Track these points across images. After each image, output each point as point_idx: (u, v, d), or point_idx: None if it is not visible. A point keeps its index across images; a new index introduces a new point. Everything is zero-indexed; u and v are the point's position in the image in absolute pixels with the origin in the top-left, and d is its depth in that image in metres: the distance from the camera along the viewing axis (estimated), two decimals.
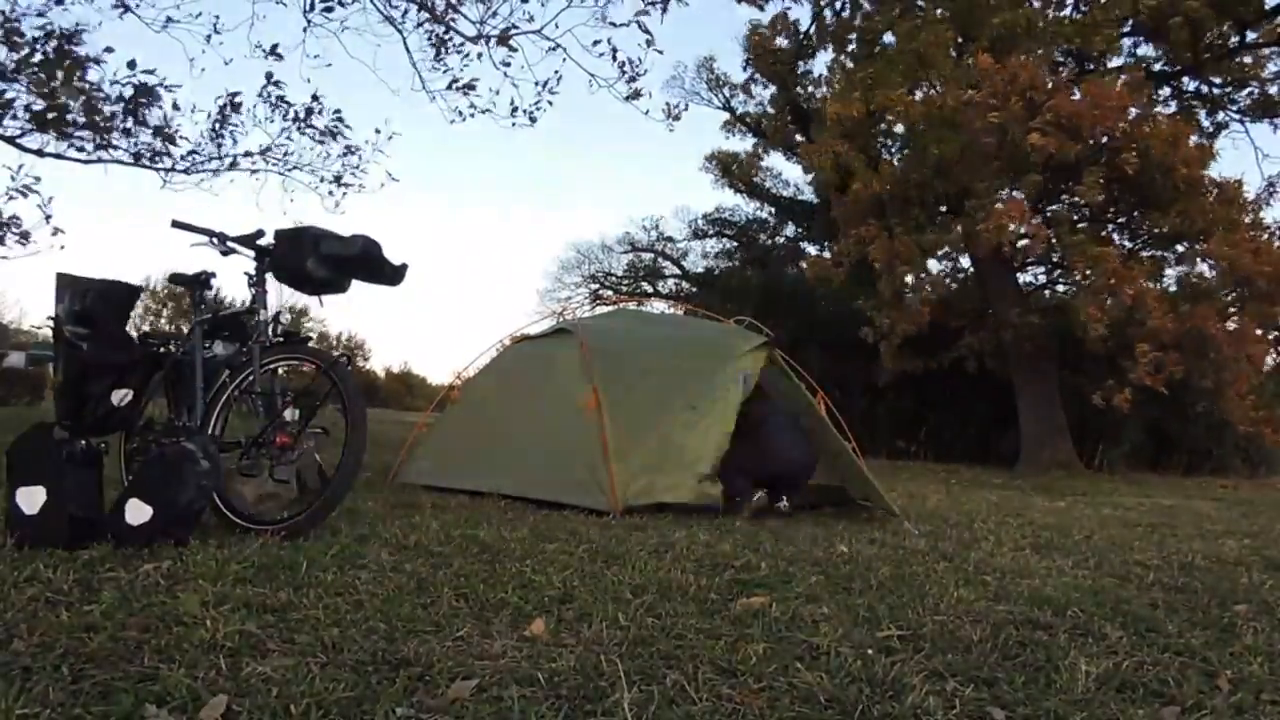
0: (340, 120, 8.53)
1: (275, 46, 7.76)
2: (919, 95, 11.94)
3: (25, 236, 7.94)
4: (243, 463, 3.01)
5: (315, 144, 8.61)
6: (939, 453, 13.89)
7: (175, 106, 8.06)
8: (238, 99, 8.16)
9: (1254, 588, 2.85)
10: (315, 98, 8.42)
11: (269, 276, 3.12)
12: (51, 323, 2.93)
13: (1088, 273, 10.73)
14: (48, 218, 7.80)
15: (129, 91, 7.66)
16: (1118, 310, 10.28)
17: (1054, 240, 11.19)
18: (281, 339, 3.13)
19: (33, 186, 7.58)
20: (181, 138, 8.32)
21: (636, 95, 7.60)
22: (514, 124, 8.01)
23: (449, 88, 7.99)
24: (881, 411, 15.20)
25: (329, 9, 7.47)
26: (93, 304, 2.91)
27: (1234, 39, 12.58)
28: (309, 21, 7.56)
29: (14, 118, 7.54)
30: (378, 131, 8.72)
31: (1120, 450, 13.81)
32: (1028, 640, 1.98)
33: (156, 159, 8.34)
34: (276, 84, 8.08)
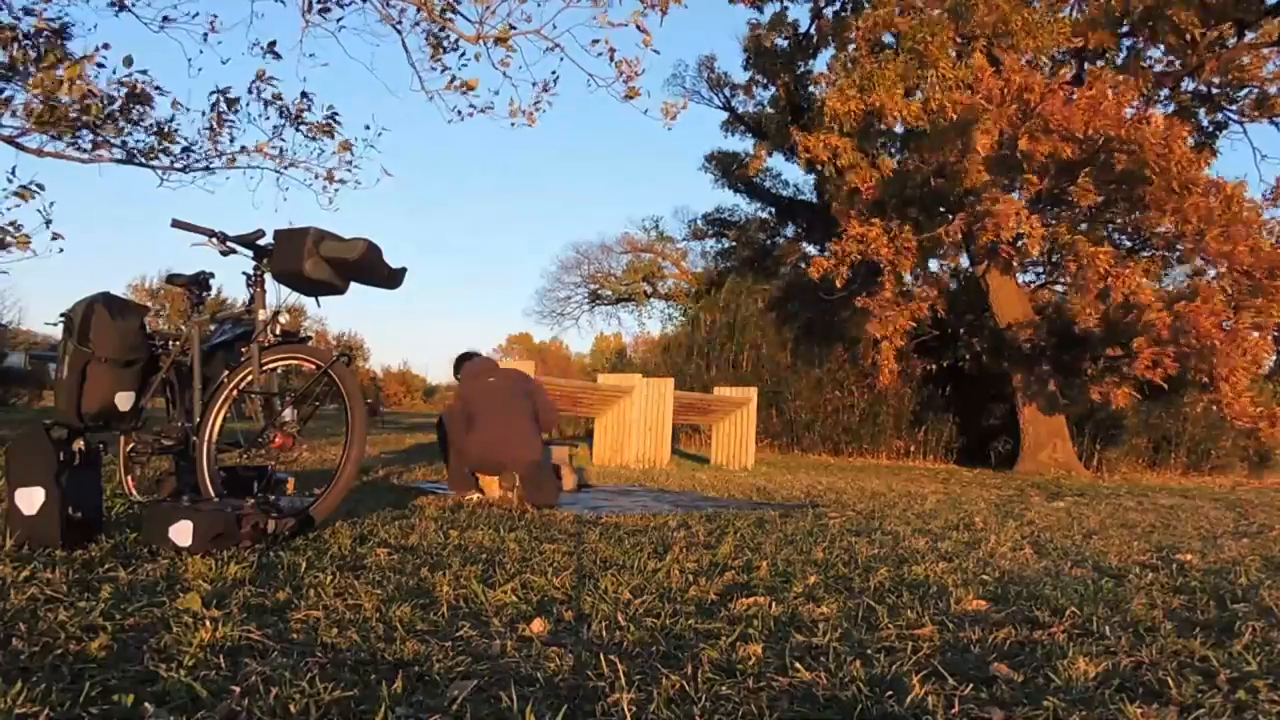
0: (334, 116, 8.53)
1: (273, 43, 7.75)
2: (919, 95, 11.94)
3: (25, 243, 7.90)
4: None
5: (309, 140, 8.61)
6: (939, 453, 13.90)
7: (174, 105, 8.05)
8: (230, 93, 8.14)
9: (1253, 588, 2.85)
10: (305, 95, 8.42)
11: (268, 276, 3.12)
12: (62, 320, 2.93)
13: (1075, 269, 10.76)
14: (48, 223, 7.76)
15: (122, 92, 7.64)
16: (1111, 307, 10.32)
17: (1054, 240, 11.21)
18: (280, 338, 3.13)
19: (34, 190, 7.54)
20: (181, 136, 8.31)
21: (634, 95, 7.60)
22: (513, 124, 8.00)
23: (447, 87, 7.99)
24: (882, 411, 15.23)
25: (325, 9, 7.47)
26: (116, 310, 2.96)
27: (1233, 39, 12.58)
28: (307, 21, 7.55)
29: (13, 115, 7.52)
30: (367, 128, 8.77)
31: (1119, 450, 13.83)
32: (1027, 640, 1.98)
33: (153, 157, 8.33)
34: (269, 81, 8.07)
